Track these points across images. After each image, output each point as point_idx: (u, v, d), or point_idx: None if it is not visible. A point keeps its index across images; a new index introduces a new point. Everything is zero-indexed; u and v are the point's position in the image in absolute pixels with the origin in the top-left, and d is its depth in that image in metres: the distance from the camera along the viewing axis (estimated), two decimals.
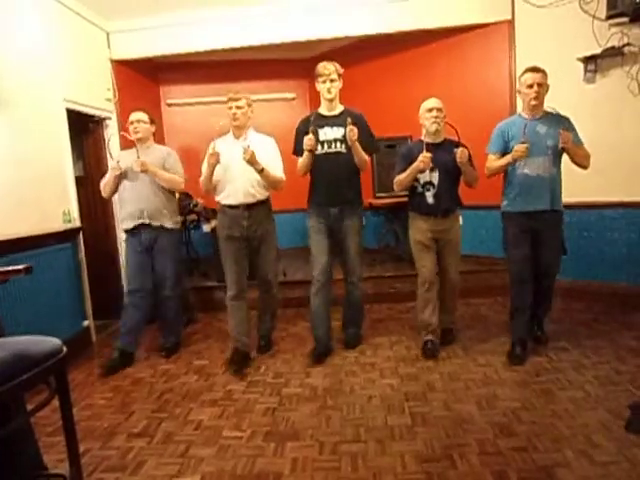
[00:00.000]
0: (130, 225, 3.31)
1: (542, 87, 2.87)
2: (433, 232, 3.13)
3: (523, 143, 2.79)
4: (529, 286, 3.00)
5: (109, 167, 3.38)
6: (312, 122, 3.03)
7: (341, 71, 3.07)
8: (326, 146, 3.04)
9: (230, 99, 3.10)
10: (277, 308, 3.56)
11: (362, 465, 2.01)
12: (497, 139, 3.03)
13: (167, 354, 3.46)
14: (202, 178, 3.12)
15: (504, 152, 2.97)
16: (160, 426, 2.46)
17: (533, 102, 2.87)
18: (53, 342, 1.60)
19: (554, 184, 2.92)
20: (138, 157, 3.19)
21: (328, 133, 3.05)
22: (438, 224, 3.11)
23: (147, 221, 3.29)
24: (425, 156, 2.90)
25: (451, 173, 3.06)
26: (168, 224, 3.36)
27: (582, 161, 2.93)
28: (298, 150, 3.10)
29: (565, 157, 2.95)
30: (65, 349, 1.62)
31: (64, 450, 1.69)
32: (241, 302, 3.19)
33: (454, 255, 3.20)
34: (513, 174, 2.98)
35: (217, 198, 3.20)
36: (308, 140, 2.94)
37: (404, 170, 3.05)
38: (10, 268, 1.78)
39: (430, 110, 3.03)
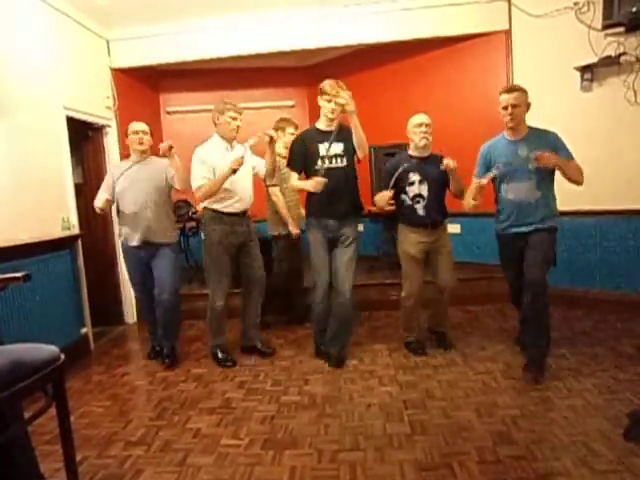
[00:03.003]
0: (133, 243, 3.28)
1: (517, 108, 2.82)
2: (424, 244, 3.22)
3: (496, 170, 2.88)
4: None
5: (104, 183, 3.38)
6: (310, 139, 3.11)
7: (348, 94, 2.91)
8: (327, 161, 3.06)
9: (235, 111, 3.19)
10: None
11: (361, 474, 2.00)
12: (480, 162, 3.05)
13: (170, 363, 3.39)
14: (211, 185, 3.07)
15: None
16: (158, 434, 2.45)
17: (509, 124, 2.87)
18: (51, 350, 1.60)
19: (541, 207, 2.86)
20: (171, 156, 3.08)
21: (329, 149, 3.06)
22: (429, 235, 3.21)
23: (151, 240, 3.27)
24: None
25: (439, 185, 3.18)
26: (168, 240, 3.36)
27: (574, 176, 2.84)
28: (295, 166, 3.16)
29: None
30: (63, 357, 1.62)
31: (61, 459, 1.69)
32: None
33: (447, 261, 3.25)
34: (500, 198, 2.99)
35: (215, 206, 3.20)
36: (317, 184, 2.95)
37: (387, 187, 3.14)
38: (8, 276, 1.78)
39: (419, 125, 3.13)
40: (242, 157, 3.00)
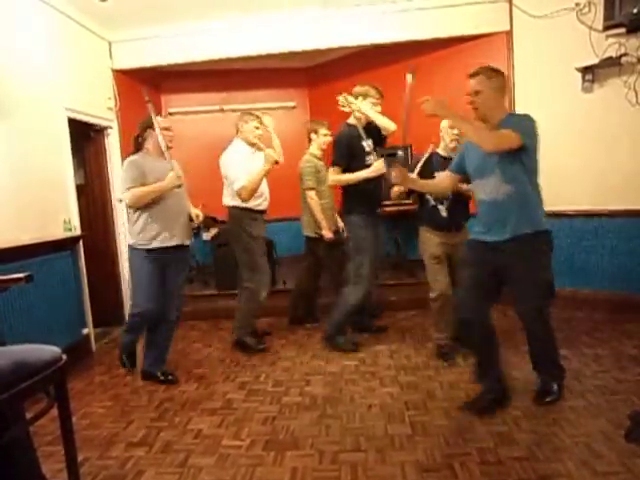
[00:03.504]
0: (157, 245, 2.94)
1: (480, 94, 2.39)
2: (447, 246, 3.18)
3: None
4: (477, 328, 2.47)
5: (169, 176, 2.90)
6: (355, 137, 3.32)
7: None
8: (372, 157, 3.34)
9: (260, 119, 3.58)
10: None
11: (362, 475, 2.00)
12: (457, 155, 2.75)
13: (175, 378, 3.15)
14: (254, 183, 3.37)
15: (459, 170, 2.67)
16: (159, 435, 2.45)
17: (474, 114, 2.44)
18: (52, 350, 1.60)
19: (514, 205, 2.34)
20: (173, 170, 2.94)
21: (369, 145, 3.35)
22: (451, 237, 3.16)
23: (180, 242, 3.03)
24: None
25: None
26: (189, 242, 3.22)
27: (478, 138, 2.30)
28: (344, 161, 3.32)
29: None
30: (64, 357, 1.62)
31: (63, 459, 1.69)
32: None
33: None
34: (476, 201, 2.59)
35: (251, 204, 3.49)
36: (381, 165, 3.29)
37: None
38: (10, 277, 1.78)
39: (453, 128, 3.14)
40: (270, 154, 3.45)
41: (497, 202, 2.38)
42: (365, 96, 3.35)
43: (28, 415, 1.59)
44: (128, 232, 3.14)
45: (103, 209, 4.58)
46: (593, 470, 1.92)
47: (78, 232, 3.88)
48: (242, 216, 3.49)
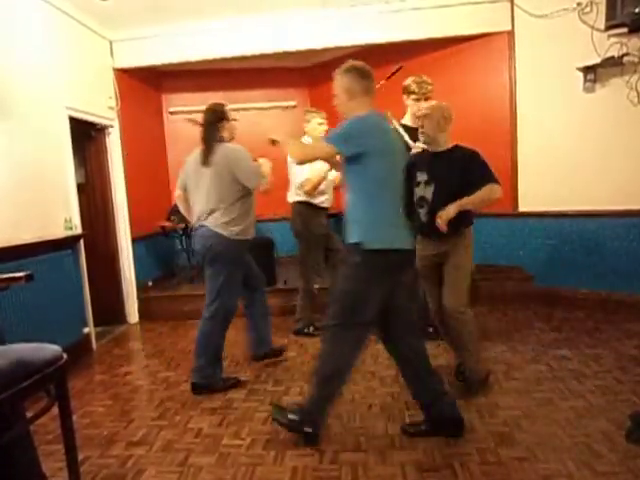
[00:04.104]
0: (250, 236, 3.00)
1: (335, 96, 2.33)
2: (428, 258, 2.72)
3: None
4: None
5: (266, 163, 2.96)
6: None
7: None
8: None
9: (321, 117, 3.75)
10: None
11: (362, 474, 2.00)
12: None
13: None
14: (319, 179, 3.53)
15: None
16: (159, 434, 2.45)
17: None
18: (53, 349, 1.60)
19: (348, 215, 2.23)
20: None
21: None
22: (434, 247, 2.66)
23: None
24: None
25: (450, 188, 2.53)
26: None
27: (284, 148, 2.34)
28: None
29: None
30: (65, 356, 1.62)
31: (63, 458, 1.69)
32: None
33: (452, 279, 2.61)
34: None
35: (316, 200, 3.70)
36: None
37: None
38: (11, 275, 1.78)
39: (417, 118, 2.80)
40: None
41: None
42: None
43: (28, 414, 1.59)
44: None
45: (104, 208, 4.58)
46: (593, 470, 1.91)
47: (79, 231, 3.88)
48: (307, 211, 3.73)
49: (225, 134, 2.93)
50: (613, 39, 3.80)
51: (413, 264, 2.61)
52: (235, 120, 3.01)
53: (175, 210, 5.38)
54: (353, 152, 2.11)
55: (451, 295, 2.61)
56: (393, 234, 2.16)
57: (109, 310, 4.51)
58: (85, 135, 4.43)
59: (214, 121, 2.92)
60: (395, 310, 2.25)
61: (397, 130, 3.20)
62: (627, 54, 3.73)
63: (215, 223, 2.83)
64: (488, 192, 2.47)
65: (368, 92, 2.23)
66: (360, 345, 2.27)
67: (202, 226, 2.88)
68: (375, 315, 2.19)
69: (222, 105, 2.98)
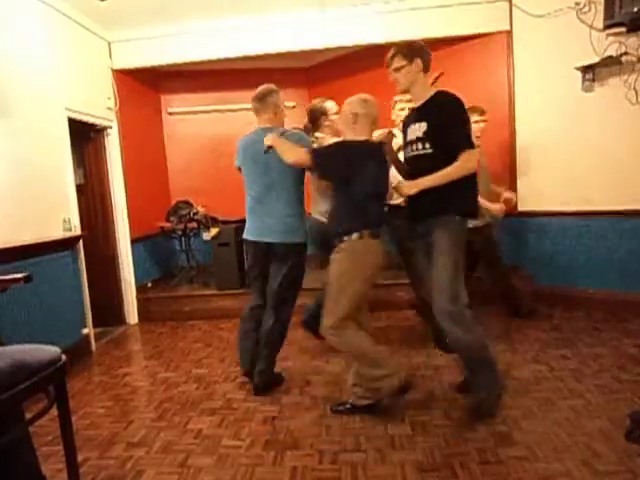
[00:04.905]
0: None
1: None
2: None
3: None
4: None
5: None
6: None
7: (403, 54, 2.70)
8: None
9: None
10: None
11: (362, 474, 2.00)
12: None
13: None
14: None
15: None
16: (159, 435, 2.45)
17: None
18: (52, 350, 1.60)
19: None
20: None
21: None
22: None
23: None
24: None
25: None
26: None
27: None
28: None
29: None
30: (64, 357, 1.62)
31: (62, 459, 1.69)
32: None
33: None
34: None
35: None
36: None
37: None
38: (9, 277, 1.78)
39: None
40: None
41: None
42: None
43: (28, 415, 1.59)
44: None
45: (103, 209, 4.58)
46: (593, 470, 1.91)
47: (78, 232, 3.88)
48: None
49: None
50: (611, 38, 3.80)
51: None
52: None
53: (174, 211, 5.40)
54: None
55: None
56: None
57: (108, 311, 4.51)
58: (84, 136, 4.43)
59: (313, 120, 3.47)
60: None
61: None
62: (625, 53, 3.73)
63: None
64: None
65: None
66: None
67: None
68: None
69: (322, 105, 3.45)
